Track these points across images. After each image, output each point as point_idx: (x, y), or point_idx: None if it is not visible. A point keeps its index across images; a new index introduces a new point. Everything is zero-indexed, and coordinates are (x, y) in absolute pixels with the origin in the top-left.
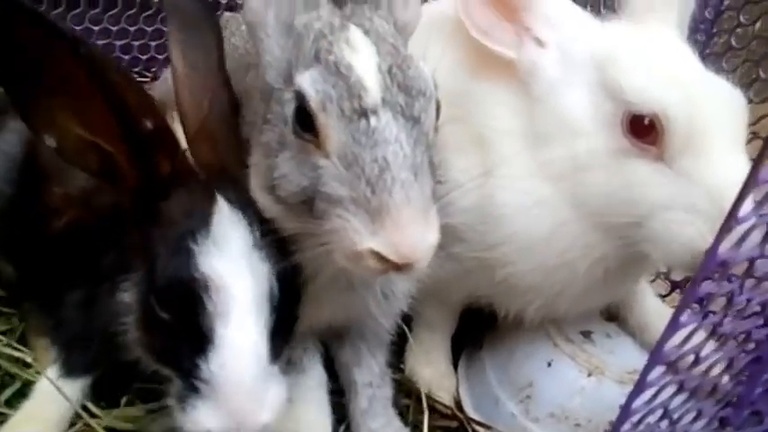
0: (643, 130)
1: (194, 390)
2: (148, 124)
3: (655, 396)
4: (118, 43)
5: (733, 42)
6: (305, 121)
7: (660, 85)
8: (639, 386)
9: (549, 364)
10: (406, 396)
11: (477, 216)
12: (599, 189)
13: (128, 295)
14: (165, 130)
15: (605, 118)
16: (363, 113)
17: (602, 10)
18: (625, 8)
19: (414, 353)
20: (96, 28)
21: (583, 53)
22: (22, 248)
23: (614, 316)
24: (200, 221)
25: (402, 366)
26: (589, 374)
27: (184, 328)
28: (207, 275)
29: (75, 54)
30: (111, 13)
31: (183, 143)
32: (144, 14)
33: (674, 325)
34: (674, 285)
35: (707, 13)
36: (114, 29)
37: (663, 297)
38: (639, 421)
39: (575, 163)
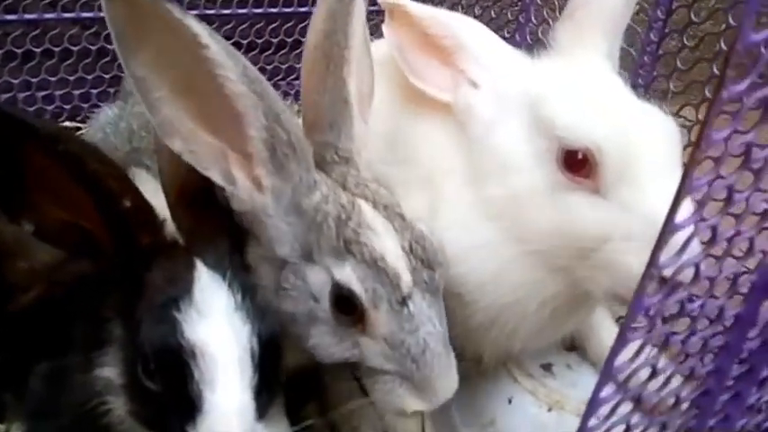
0: (577, 164)
1: None
2: (127, 203)
3: (611, 414)
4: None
5: (685, 41)
6: (347, 308)
7: (590, 119)
8: (591, 406)
9: (510, 401)
10: None
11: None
12: (540, 225)
13: (107, 370)
14: (144, 206)
15: (540, 154)
16: (403, 302)
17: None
18: (554, 43)
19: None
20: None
21: (516, 92)
22: None
23: (574, 346)
24: (182, 289)
25: None
26: (549, 409)
27: (172, 396)
28: (192, 342)
29: (52, 152)
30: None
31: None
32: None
33: (621, 340)
34: None
35: (659, 12)
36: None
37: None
38: None
39: (514, 200)
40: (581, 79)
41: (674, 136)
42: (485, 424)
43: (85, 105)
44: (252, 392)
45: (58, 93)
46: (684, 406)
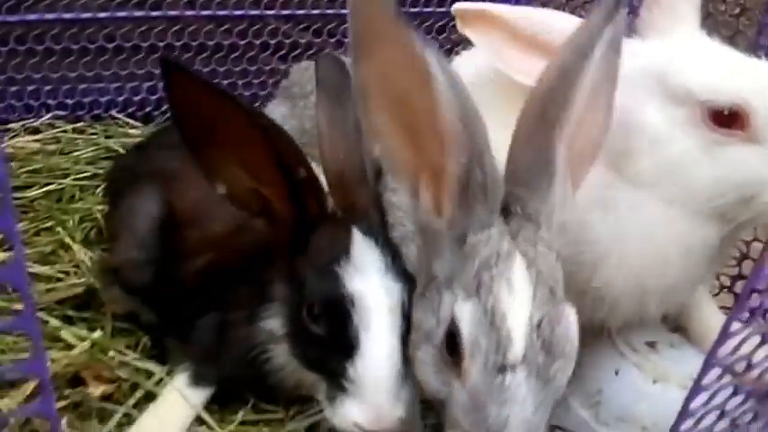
0: (726, 120)
1: (342, 389)
2: (303, 173)
3: (711, 398)
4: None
5: None
6: (452, 345)
7: (727, 78)
8: (695, 389)
9: (617, 373)
10: None
11: (562, 239)
12: (702, 183)
13: (270, 322)
14: (314, 178)
15: (684, 121)
16: (503, 369)
17: None
18: (647, 26)
19: None
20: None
21: (636, 73)
22: (165, 295)
23: (678, 327)
24: (342, 250)
25: None
26: (654, 381)
27: (333, 339)
28: (352, 293)
29: (251, 123)
30: (201, 56)
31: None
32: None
33: (725, 332)
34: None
35: None
36: (206, 70)
37: (728, 309)
38: (698, 422)
39: (667, 168)
40: (696, 48)
41: None
42: (592, 393)
43: (136, 98)
44: (401, 338)
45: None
46: None
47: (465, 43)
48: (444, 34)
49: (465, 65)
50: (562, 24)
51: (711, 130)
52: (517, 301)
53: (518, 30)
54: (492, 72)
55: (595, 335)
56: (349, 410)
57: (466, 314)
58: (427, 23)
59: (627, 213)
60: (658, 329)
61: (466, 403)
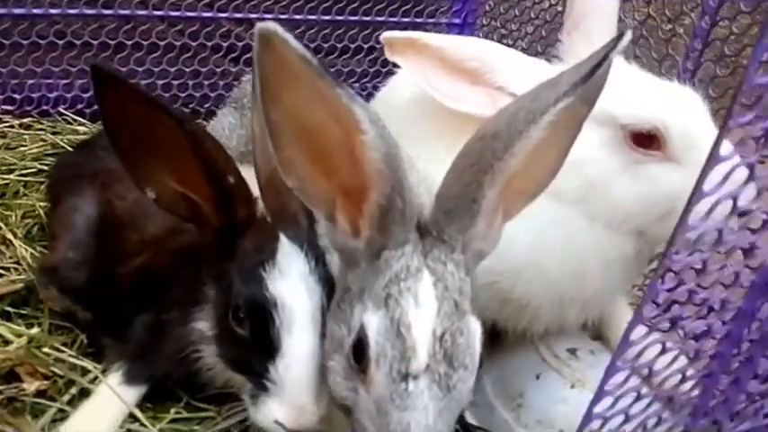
0: (645, 140)
1: (264, 389)
2: (231, 180)
3: (615, 402)
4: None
5: (718, 71)
6: (359, 353)
7: (646, 103)
8: (599, 393)
9: (538, 377)
10: None
11: None
12: (624, 199)
13: (201, 323)
14: (243, 184)
15: (606, 143)
16: (406, 377)
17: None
18: (567, 52)
19: None
20: (140, 68)
21: None
22: (99, 295)
23: (599, 336)
24: (268, 254)
25: None
26: (572, 386)
27: (257, 340)
28: (275, 296)
29: (180, 130)
30: (153, 55)
31: (256, 191)
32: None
33: (626, 339)
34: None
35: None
36: (157, 70)
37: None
38: (603, 425)
39: (593, 186)
40: (615, 73)
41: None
42: (514, 396)
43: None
44: (321, 341)
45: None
46: (689, 384)
47: None
48: None
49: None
50: (490, 52)
51: (632, 150)
52: (422, 314)
53: (446, 57)
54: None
55: (518, 340)
56: (270, 409)
57: (373, 324)
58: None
59: (548, 226)
60: (580, 337)
61: (371, 409)
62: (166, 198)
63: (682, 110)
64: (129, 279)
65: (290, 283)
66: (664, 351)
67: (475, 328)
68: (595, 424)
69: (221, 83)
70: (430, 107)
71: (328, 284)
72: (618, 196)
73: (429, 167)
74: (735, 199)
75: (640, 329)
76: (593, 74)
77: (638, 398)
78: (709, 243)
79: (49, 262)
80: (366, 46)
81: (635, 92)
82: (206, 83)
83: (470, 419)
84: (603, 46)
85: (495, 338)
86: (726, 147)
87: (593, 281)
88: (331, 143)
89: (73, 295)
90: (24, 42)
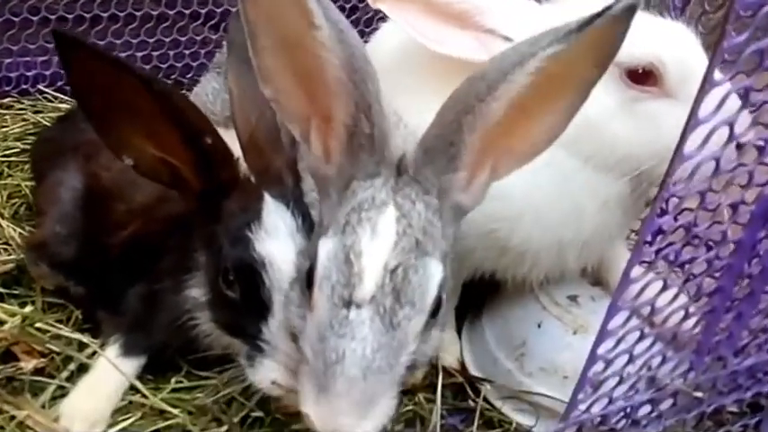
0: (641, 77)
1: (259, 350)
2: (208, 140)
3: (618, 343)
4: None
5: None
6: (310, 280)
7: (641, 40)
8: (602, 334)
9: (539, 326)
10: None
11: None
12: (620, 137)
13: (194, 291)
14: (221, 144)
15: (602, 80)
16: (348, 304)
17: None
18: None
19: None
20: (118, 41)
21: None
22: (91, 268)
23: (599, 281)
24: (254, 214)
25: None
26: (574, 332)
27: (248, 302)
28: (263, 256)
29: (149, 90)
30: (131, 26)
31: (237, 152)
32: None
33: (626, 277)
34: None
35: None
36: (135, 41)
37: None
38: (607, 366)
39: (590, 125)
40: None
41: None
42: (516, 345)
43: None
44: None
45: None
46: (692, 321)
47: None
48: None
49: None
50: None
51: (629, 87)
52: (377, 245)
53: (432, 0)
54: None
55: (518, 290)
56: (267, 370)
57: (325, 248)
58: None
59: (543, 170)
60: (580, 284)
61: (312, 334)
62: (145, 164)
63: (676, 45)
64: (120, 250)
65: (278, 242)
66: (664, 288)
67: (434, 272)
68: (599, 366)
69: (202, 51)
70: (419, 56)
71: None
72: (614, 135)
73: (423, 119)
74: (731, 125)
75: (639, 267)
76: (590, 23)
77: (641, 337)
78: (706, 173)
79: (38, 238)
80: (348, 6)
81: (630, 29)
82: (186, 52)
83: (473, 371)
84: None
85: (494, 290)
86: (718, 75)
87: (590, 222)
88: (307, 57)
89: (64, 270)
90: None
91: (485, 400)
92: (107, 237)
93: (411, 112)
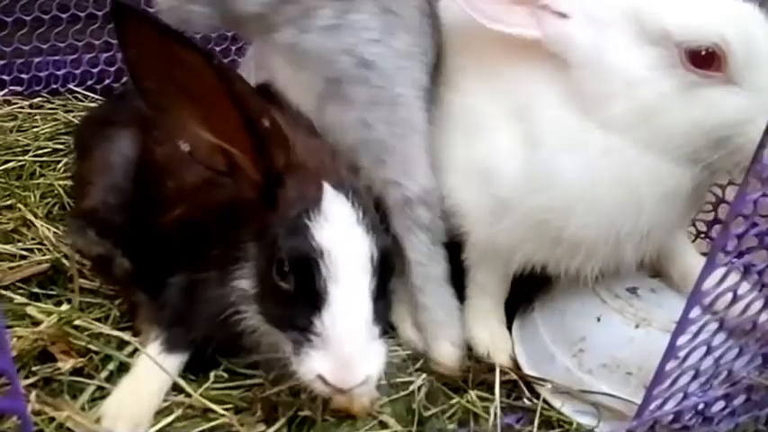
0: (704, 60)
1: (308, 342)
2: (266, 123)
3: (696, 334)
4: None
5: None
6: None
7: (706, 18)
8: (681, 325)
9: (599, 320)
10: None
11: (532, 184)
12: (680, 125)
13: (243, 282)
14: (279, 129)
15: (658, 62)
16: None
17: None
18: None
19: (471, 318)
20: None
21: (608, 13)
22: (137, 242)
23: (658, 273)
24: (312, 202)
25: None
26: (637, 326)
27: (302, 293)
28: (321, 245)
29: (208, 67)
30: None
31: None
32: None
33: (710, 265)
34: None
35: None
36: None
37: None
38: (684, 359)
39: (643, 110)
40: None
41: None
42: (575, 341)
43: (94, 70)
44: (370, 293)
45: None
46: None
47: None
48: None
49: None
50: None
51: (689, 71)
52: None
53: None
54: None
55: (573, 285)
56: (314, 362)
57: None
58: None
59: (599, 158)
60: (639, 276)
61: None
62: (201, 150)
63: (744, 26)
64: (167, 229)
65: (337, 230)
66: (746, 275)
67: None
68: (675, 360)
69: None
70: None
71: (377, 234)
72: (673, 122)
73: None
74: None
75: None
76: None
77: (720, 328)
78: None
79: (88, 205)
80: None
81: (692, 6)
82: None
83: (528, 370)
84: None
85: (548, 284)
86: None
87: (649, 214)
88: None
89: (112, 239)
90: (27, 18)
91: (543, 400)
92: (156, 214)
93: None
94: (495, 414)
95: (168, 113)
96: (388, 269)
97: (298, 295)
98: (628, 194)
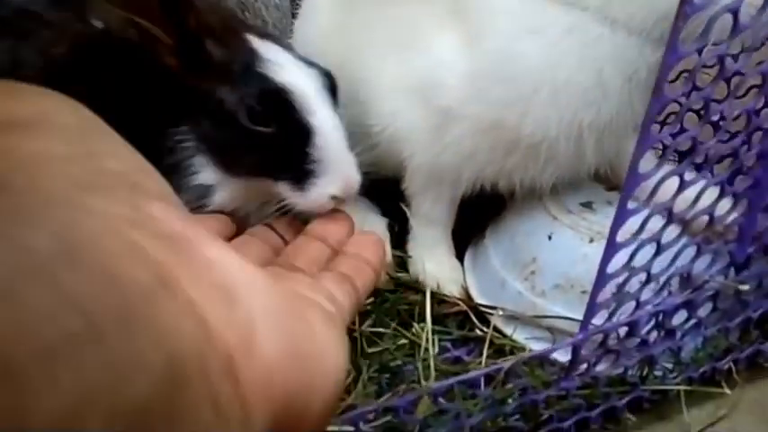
0: None
1: (308, 173)
2: None
3: (640, 229)
4: None
5: None
6: None
7: None
8: (619, 217)
9: (550, 238)
10: (416, 292)
11: (483, 81)
12: None
13: (201, 176)
14: None
15: None
16: None
17: None
18: None
19: (418, 250)
20: None
21: None
22: None
23: (614, 187)
24: (249, 53)
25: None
26: (591, 240)
27: (285, 130)
28: (284, 83)
29: None
30: None
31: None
32: None
33: (644, 141)
34: None
35: None
36: None
37: None
38: (630, 259)
39: None
40: None
41: None
42: (527, 263)
43: None
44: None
45: None
46: (727, 204)
47: None
48: None
49: None
50: None
51: None
52: None
53: None
54: None
55: (524, 204)
56: (323, 186)
57: None
58: None
59: (561, 37)
60: (593, 190)
61: None
62: (113, 25)
63: None
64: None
65: (290, 70)
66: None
67: None
68: (620, 259)
69: None
70: None
71: (314, 65)
72: None
73: None
74: None
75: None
76: None
77: (668, 223)
78: (725, 31)
79: None
80: None
81: None
82: None
83: (479, 299)
84: None
85: (497, 206)
86: None
87: (613, 100)
88: None
89: None
90: None
91: (495, 329)
92: None
93: None
94: (427, 348)
95: None
96: (335, 93)
97: (281, 133)
98: (592, 79)
